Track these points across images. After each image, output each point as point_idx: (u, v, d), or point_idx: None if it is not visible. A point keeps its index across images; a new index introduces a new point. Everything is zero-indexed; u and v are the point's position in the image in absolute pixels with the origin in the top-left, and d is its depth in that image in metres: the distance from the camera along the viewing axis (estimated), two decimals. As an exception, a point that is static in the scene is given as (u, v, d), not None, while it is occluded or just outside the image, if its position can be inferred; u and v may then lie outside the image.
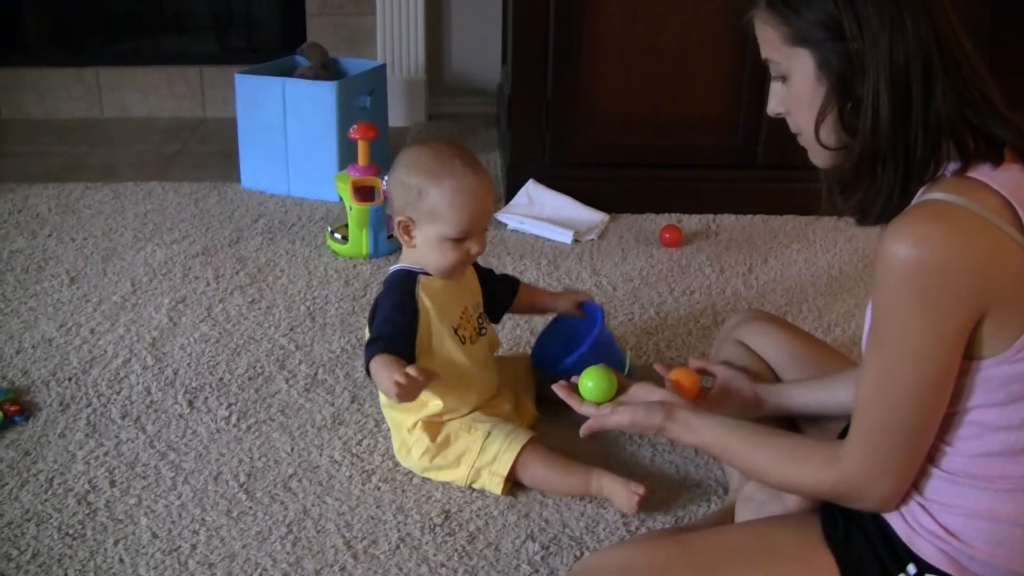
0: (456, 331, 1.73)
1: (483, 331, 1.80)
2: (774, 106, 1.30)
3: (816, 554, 1.28)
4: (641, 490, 1.62)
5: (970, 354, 1.15)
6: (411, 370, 1.52)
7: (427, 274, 1.72)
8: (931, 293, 1.11)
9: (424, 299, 1.69)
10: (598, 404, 1.54)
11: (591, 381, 1.55)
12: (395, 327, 1.65)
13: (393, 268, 1.76)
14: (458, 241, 1.68)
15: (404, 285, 1.70)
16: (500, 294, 1.90)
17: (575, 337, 1.89)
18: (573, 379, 1.59)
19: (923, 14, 1.14)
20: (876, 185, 1.19)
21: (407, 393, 1.53)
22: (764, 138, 2.86)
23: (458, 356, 1.72)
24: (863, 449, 1.21)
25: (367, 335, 1.71)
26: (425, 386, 1.56)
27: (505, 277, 1.94)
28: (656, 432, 1.46)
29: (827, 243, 2.74)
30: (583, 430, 1.54)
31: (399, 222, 1.70)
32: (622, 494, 1.63)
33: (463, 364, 1.72)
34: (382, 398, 1.80)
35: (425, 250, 1.70)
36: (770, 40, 1.24)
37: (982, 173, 1.14)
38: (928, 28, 1.14)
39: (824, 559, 1.27)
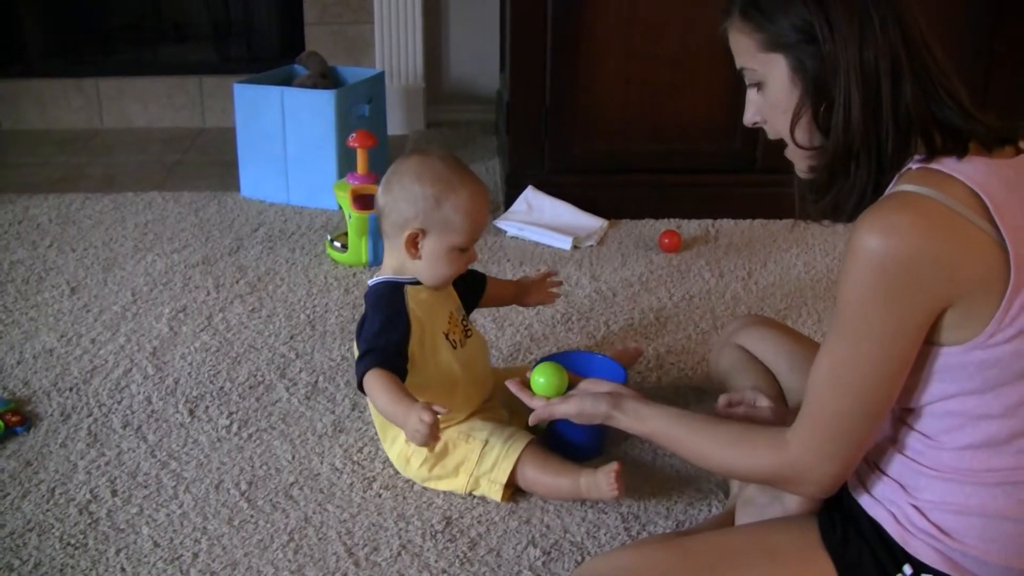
0: (447, 336, 1.73)
1: (469, 332, 1.79)
2: (750, 116, 1.34)
3: (814, 556, 1.29)
4: (615, 465, 1.60)
5: (941, 340, 1.17)
6: (427, 415, 1.47)
7: (414, 283, 1.71)
8: (897, 283, 1.13)
9: (414, 309, 1.68)
10: (548, 399, 1.59)
11: (542, 377, 1.62)
12: (388, 340, 1.63)
13: (374, 281, 1.74)
14: (463, 251, 1.70)
15: (392, 298, 1.68)
16: (469, 292, 1.86)
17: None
18: (526, 375, 1.65)
19: (891, 17, 1.18)
20: (850, 182, 1.22)
21: (433, 435, 1.48)
22: (762, 143, 2.86)
23: (452, 362, 1.72)
24: (810, 433, 1.24)
25: (355, 351, 1.70)
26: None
27: (472, 274, 1.87)
28: (603, 420, 1.51)
29: (826, 247, 2.75)
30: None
31: (409, 235, 1.68)
32: (600, 481, 1.61)
33: (457, 369, 1.72)
34: (374, 410, 1.79)
35: (430, 261, 1.69)
36: (745, 48, 1.28)
37: (947, 165, 1.16)
38: (896, 30, 1.18)
39: (822, 561, 1.28)
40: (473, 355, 1.79)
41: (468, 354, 1.76)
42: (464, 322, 1.80)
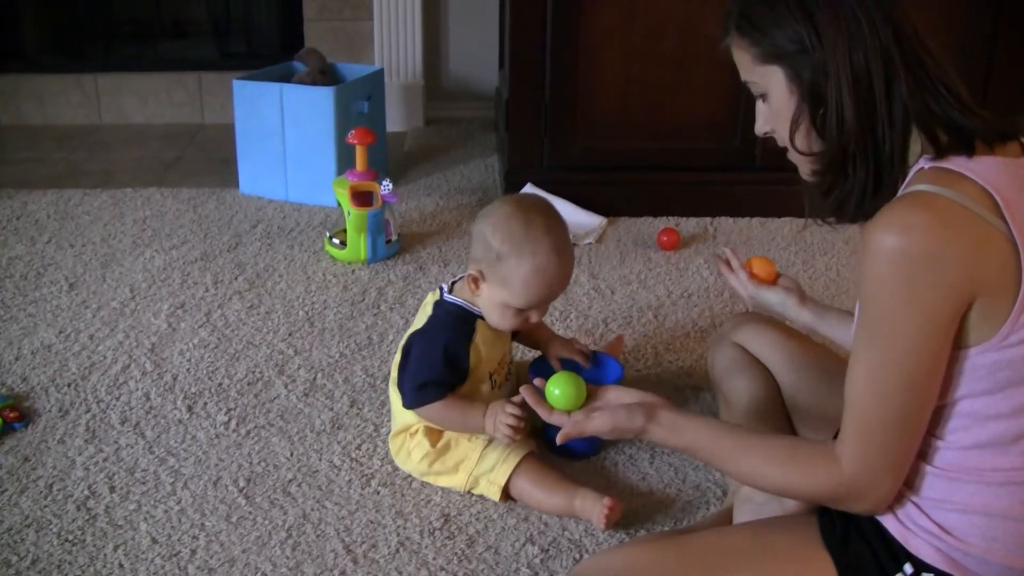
0: (491, 376, 1.75)
1: (509, 376, 1.82)
2: (760, 125, 1.35)
3: (814, 555, 1.28)
4: (608, 502, 1.60)
5: (956, 343, 1.17)
6: (512, 408, 1.62)
7: (483, 318, 1.72)
8: (918, 282, 1.13)
9: (479, 343, 1.71)
10: (568, 412, 1.45)
11: (558, 388, 1.47)
12: (451, 373, 1.68)
13: (453, 299, 1.72)
14: (520, 310, 1.67)
15: (463, 330, 1.70)
16: None
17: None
18: (537, 382, 1.52)
19: (881, 17, 1.18)
20: (849, 183, 1.23)
21: (518, 430, 1.63)
22: (761, 141, 2.85)
23: (485, 399, 1.72)
24: (861, 448, 1.20)
25: (398, 356, 1.73)
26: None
27: None
28: (637, 435, 1.39)
29: (825, 245, 2.75)
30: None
31: (470, 274, 1.68)
32: (595, 510, 1.61)
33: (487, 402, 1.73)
34: (394, 397, 1.78)
35: (486, 305, 1.69)
36: (745, 62, 1.30)
37: (958, 164, 1.17)
38: (887, 29, 1.18)
39: (822, 560, 1.27)
40: (503, 396, 1.78)
41: (500, 395, 1.77)
42: (509, 365, 1.82)
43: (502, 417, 1.62)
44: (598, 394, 1.49)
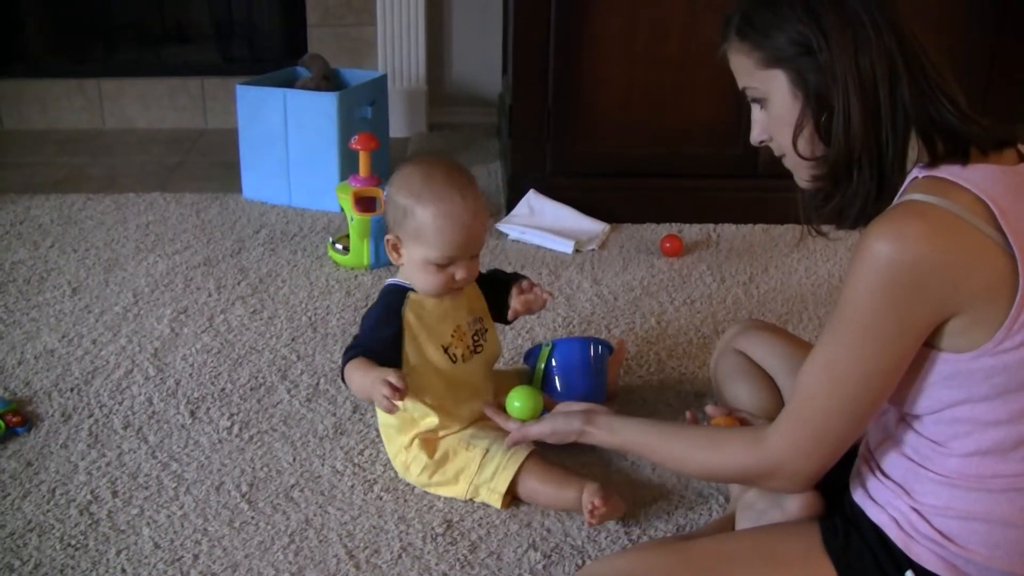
0: (446, 350, 1.71)
1: (479, 348, 1.76)
2: (757, 134, 1.36)
3: (816, 561, 1.29)
4: (597, 500, 1.58)
5: (943, 345, 1.18)
6: (392, 377, 1.50)
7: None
8: (902, 289, 1.14)
9: (409, 316, 1.68)
10: (523, 421, 1.63)
11: (517, 401, 1.65)
12: (375, 338, 1.66)
13: (388, 281, 1.76)
14: (442, 266, 1.66)
15: (391, 299, 1.70)
16: (504, 297, 1.81)
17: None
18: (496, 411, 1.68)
19: (885, 23, 1.20)
20: (853, 188, 1.24)
21: (394, 398, 1.50)
22: (764, 147, 2.86)
23: (448, 374, 1.71)
24: (795, 429, 1.26)
25: None
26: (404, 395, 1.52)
27: (516, 276, 1.84)
28: (577, 437, 1.52)
29: (827, 252, 2.75)
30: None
31: (387, 240, 1.70)
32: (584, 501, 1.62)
33: (452, 382, 1.72)
34: (380, 416, 1.79)
35: (410, 270, 1.69)
36: (744, 67, 1.30)
37: (952, 173, 1.17)
38: (890, 35, 1.20)
39: (824, 566, 1.28)
40: (476, 371, 1.76)
41: (470, 369, 1.74)
42: (475, 336, 1.76)
43: (379, 386, 1.50)
44: (553, 407, 1.63)
